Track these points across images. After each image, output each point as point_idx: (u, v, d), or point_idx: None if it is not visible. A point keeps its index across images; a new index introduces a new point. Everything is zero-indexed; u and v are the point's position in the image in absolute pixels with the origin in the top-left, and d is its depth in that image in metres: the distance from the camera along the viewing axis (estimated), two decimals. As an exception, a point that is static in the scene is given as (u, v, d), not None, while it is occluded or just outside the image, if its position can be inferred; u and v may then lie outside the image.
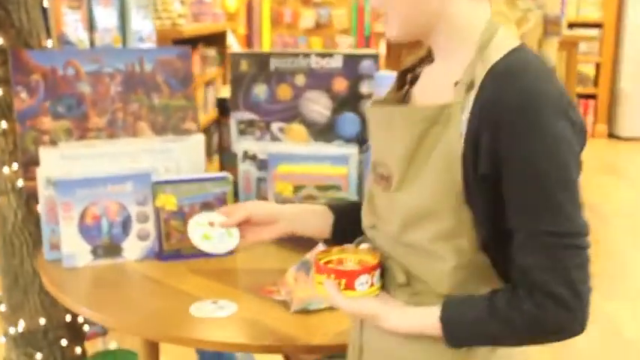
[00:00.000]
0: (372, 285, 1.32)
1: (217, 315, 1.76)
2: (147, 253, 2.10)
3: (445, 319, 1.26)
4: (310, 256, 1.89)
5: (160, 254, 2.10)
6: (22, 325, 2.43)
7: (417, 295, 1.32)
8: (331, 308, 1.80)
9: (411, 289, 1.32)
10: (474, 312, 1.24)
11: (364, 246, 1.40)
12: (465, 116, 1.23)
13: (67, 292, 1.92)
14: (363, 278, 1.31)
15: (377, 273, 1.34)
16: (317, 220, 1.70)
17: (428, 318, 1.27)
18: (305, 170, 2.28)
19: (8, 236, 2.39)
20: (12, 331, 2.44)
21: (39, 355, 2.45)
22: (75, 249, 2.04)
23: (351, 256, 1.40)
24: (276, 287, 1.92)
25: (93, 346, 2.78)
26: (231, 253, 1.78)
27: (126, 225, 2.08)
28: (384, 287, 1.36)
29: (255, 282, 1.96)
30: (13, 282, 2.42)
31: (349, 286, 1.32)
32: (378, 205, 1.37)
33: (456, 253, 1.25)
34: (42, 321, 2.41)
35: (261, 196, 2.41)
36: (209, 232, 1.76)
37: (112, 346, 2.83)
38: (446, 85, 1.27)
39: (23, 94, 2.17)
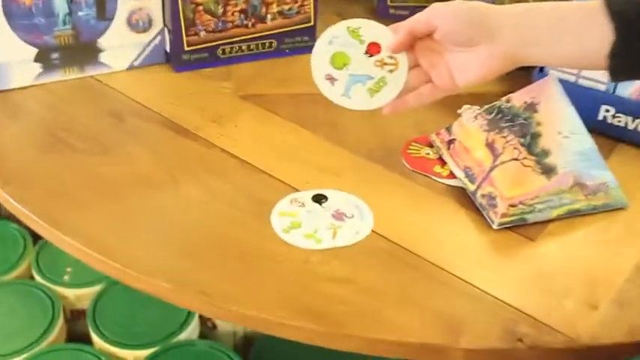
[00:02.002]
0: None
1: (332, 243, 0.81)
2: (148, 56, 1.06)
3: None
4: (520, 99, 0.89)
5: (175, 59, 1.06)
6: None
7: None
8: (575, 216, 0.86)
9: None
10: None
11: None
12: None
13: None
14: None
15: None
16: (581, 35, 0.67)
17: None
18: None
19: None
20: None
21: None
22: (1, 53, 0.98)
23: None
24: (438, 149, 0.94)
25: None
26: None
27: (104, 1, 1.01)
28: None
29: (388, 129, 0.97)
30: None
31: None
32: None
33: None
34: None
35: None
36: (350, 63, 0.75)
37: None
38: None
39: None
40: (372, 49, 0.73)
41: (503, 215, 0.83)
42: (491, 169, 0.86)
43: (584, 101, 0.95)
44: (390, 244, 0.81)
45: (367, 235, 0.82)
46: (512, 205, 0.83)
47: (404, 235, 0.82)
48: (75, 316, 1.38)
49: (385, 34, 0.72)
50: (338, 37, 0.73)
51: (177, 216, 0.83)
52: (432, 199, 0.88)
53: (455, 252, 0.81)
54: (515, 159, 0.84)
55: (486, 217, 0.84)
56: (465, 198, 0.87)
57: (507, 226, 0.84)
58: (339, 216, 0.84)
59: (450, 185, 0.90)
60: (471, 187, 0.87)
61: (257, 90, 1.04)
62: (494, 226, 0.83)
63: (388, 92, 0.73)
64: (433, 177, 0.91)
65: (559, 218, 0.85)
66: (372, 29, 0.73)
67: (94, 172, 0.88)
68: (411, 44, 0.71)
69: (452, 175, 0.90)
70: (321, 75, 0.75)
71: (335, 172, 0.90)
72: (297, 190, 0.87)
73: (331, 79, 0.74)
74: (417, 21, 0.70)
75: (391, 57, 0.72)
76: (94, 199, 0.85)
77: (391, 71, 0.72)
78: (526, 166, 0.84)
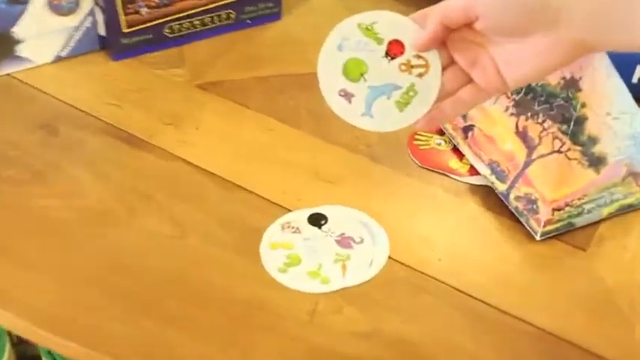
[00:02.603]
0: None
1: (342, 283, 0.63)
2: (78, 44, 0.85)
3: None
4: (555, 74, 0.71)
5: (113, 44, 0.85)
6: None
7: None
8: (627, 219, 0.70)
9: None
10: None
11: None
12: None
13: None
14: None
15: None
16: None
17: None
18: None
19: None
20: None
21: None
22: None
23: None
24: (451, 137, 0.77)
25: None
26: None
27: (13, -21, 0.80)
28: None
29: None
30: None
31: None
32: None
33: None
34: None
35: None
36: (368, 72, 0.56)
37: None
38: None
39: None
40: (394, 49, 0.54)
41: (548, 222, 0.67)
42: (527, 164, 0.69)
43: (616, 62, 0.78)
44: (414, 274, 0.65)
45: (383, 264, 0.65)
46: (558, 209, 0.67)
47: (428, 260, 0.66)
48: (22, 338, 1.20)
49: (408, 28, 0.54)
50: (348, 39, 0.55)
51: (139, 260, 0.65)
52: (454, 205, 0.71)
53: (495, 277, 0.65)
54: (558, 151, 0.67)
55: (525, 225, 0.68)
56: (492, 199, 0.71)
57: (552, 234, 0.68)
58: (345, 242, 0.67)
59: (472, 184, 0.73)
60: (501, 187, 0.71)
61: (217, 76, 0.84)
62: (537, 237, 0.67)
63: (420, 103, 0.55)
64: (451, 175, 0.74)
65: (609, 217, 0.70)
66: (389, 23, 0.54)
67: (25, 207, 0.69)
68: (443, 38, 0.53)
69: (473, 171, 0.74)
70: (333, 91, 0.56)
71: (330, 180, 0.73)
72: (288, 210, 0.69)
73: (346, 95, 0.56)
74: (451, 9, 0.51)
75: (419, 57, 0.54)
76: (29, 247, 0.65)
77: (421, 75, 0.55)
78: (571, 159, 0.67)
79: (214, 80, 0.83)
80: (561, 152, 0.67)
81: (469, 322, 0.61)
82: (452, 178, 0.73)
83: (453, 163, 0.75)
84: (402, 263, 0.65)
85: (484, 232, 0.69)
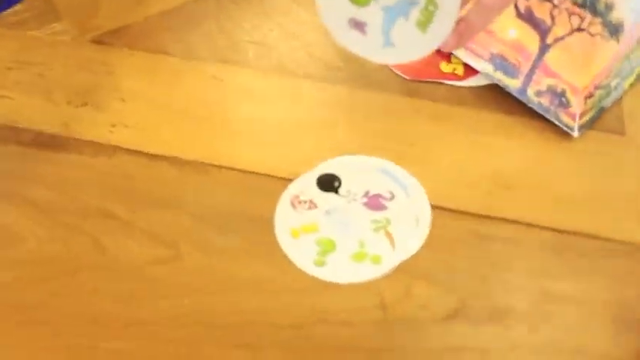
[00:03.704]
0: None
1: (397, 256, 0.51)
2: None
3: None
4: None
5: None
6: None
7: None
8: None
9: None
10: None
11: None
12: None
13: None
14: None
15: None
16: None
17: None
18: None
19: None
20: None
21: None
22: None
23: None
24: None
25: None
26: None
27: None
28: None
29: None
30: None
31: None
32: None
33: None
34: None
35: None
36: None
37: None
38: None
39: None
40: None
41: (583, 114, 0.58)
42: (543, 51, 0.58)
43: None
44: (469, 218, 0.54)
45: (430, 218, 0.53)
46: (589, 97, 0.58)
47: (474, 196, 0.55)
48: None
49: None
50: None
51: (136, 310, 0.49)
52: (464, 117, 0.60)
53: (555, 194, 0.55)
54: (579, 29, 0.57)
55: (555, 122, 0.59)
56: (502, 99, 0.60)
57: (588, 127, 0.59)
58: (375, 203, 0.54)
59: (472, 87, 0.62)
60: (514, 84, 0.60)
61: (111, 21, 0.64)
62: (575, 134, 0.58)
63: (443, 17, 0.42)
64: (446, 82, 0.62)
65: (629, 89, 0.62)
66: None
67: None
68: None
69: (470, 71, 0.62)
70: (341, 23, 0.42)
71: (314, 125, 0.58)
72: (286, 180, 0.55)
73: (358, 24, 0.42)
74: None
75: None
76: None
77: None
78: (594, 34, 0.58)
79: (111, 28, 0.64)
80: (583, 30, 0.57)
81: (565, 263, 0.52)
82: (449, 85, 0.62)
83: (444, 66, 0.63)
84: (449, 210, 0.54)
85: (514, 140, 0.59)
